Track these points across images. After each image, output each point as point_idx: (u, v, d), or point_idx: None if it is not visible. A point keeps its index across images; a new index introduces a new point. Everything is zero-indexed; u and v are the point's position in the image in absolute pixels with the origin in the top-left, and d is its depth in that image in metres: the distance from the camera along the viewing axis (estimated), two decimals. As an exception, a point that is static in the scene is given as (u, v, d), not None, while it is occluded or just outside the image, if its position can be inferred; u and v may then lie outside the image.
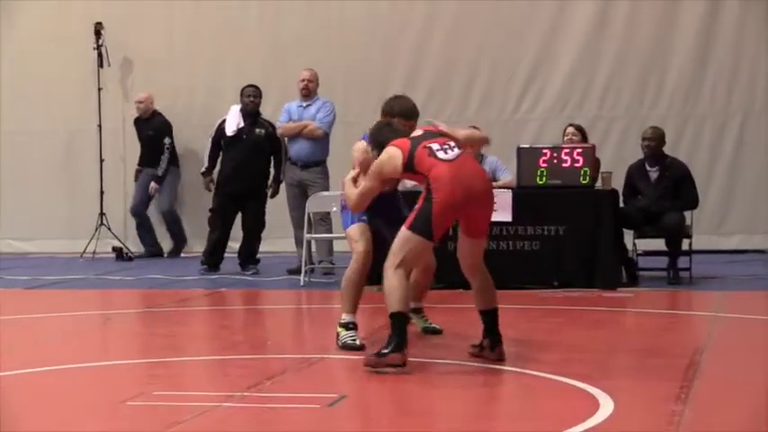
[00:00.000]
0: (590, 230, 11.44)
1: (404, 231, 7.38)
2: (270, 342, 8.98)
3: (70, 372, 7.44)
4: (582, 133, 12.42)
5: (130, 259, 14.77)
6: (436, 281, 11.48)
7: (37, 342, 8.84)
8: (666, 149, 12.19)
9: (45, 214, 15.76)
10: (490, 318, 7.62)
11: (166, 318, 10.29)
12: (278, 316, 10.71)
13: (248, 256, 13.08)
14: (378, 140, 7.76)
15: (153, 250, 15.04)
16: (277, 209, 13.27)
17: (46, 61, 15.80)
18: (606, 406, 6.17)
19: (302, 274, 12.07)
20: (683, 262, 11.81)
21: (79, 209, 15.60)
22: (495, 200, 11.33)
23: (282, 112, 12.95)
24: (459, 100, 15.17)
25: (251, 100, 13.08)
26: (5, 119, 15.85)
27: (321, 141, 12.71)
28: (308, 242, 12.30)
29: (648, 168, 12.02)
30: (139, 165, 15.22)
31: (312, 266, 12.39)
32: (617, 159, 13.69)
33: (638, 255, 12.12)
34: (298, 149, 12.71)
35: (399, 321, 7.25)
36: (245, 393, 6.62)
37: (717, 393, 6.64)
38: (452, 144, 7.46)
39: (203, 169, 13.28)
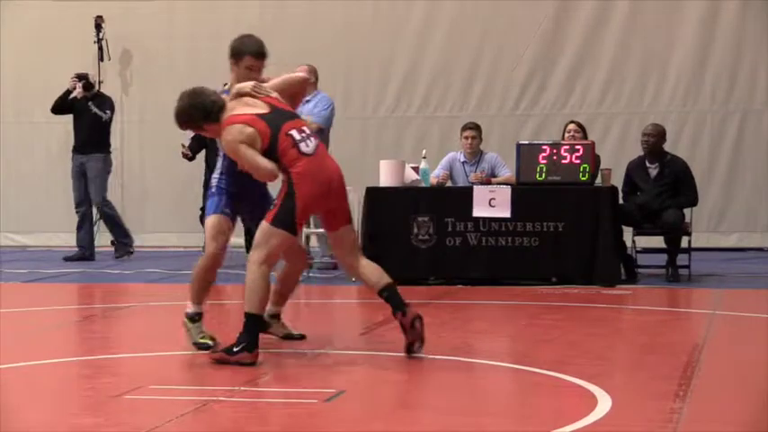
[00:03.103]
0: (589, 227, 11.43)
1: (266, 226, 7.32)
2: (267, 337, 8.94)
3: (67, 365, 7.43)
4: (583, 130, 12.40)
5: (130, 253, 14.74)
6: (436, 277, 11.55)
7: (34, 335, 8.83)
8: (666, 147, 12.18)
9: (44, 207, 15.76)
10: (392, 292, 7.55)
11: (163, 311, 10.27)
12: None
13: (256, 250, 13.09)
14: (202, 113, 7.43)
15: (86, 253, 14.16)
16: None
17: (46, 53, 15.80)
18: (604, 403, 6.16)
19: (301, 269, 12.04)
20: (682, 259, 11.80)
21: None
22: (495, 195, 11.52)
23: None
24: (459, 96, 15.17)
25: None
26: (6, 111, 15.83)
27: (319, 135, 12.68)
28: (307, 237, 12.30)
29: (648, 165, 12.01)
30: (82, 152, 14.01)
31: (311, 262, 12.37)
32: (617, 156, 13.70)
33: (636, 252, 12.11)
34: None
35: (254, 323, 7.28)
36: (243, 388, 6.61)
37: (715, 391, 6.62)
38: (307, 131, 7.43)
39: (186, 149, 13.25)
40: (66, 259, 13.99)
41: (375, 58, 15.25)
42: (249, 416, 6.12)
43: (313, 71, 12.92)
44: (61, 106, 13.95)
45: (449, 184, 12.26)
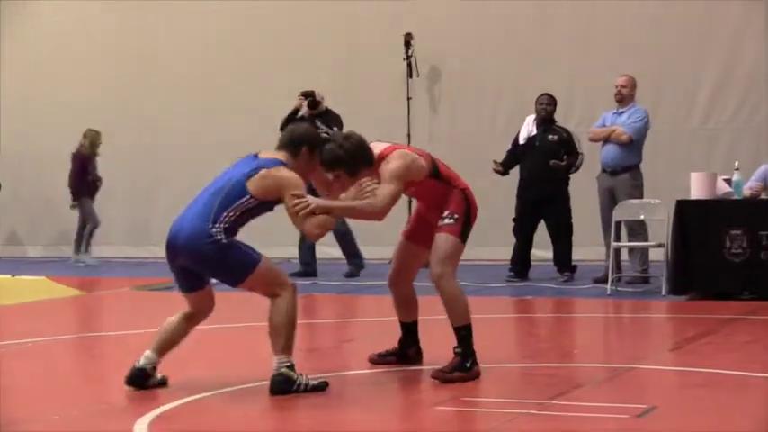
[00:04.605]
0: None
1: (454, 239, 7.27)
2: (576, 351, 8.92)
3: (380, 375, 7.58)
4: None
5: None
6: (749, 291, 11.20)
7: (340, 345, 9.10)
8: None
9: (351, 220, 16.04)
10: (416, 327, 7.74)
11: (473, 324, 10.35)
12: (584, 324, 10.62)
13: (562, 261, 13.07)
14: (366, 157, 7.12)
15: (309, 269, 13.91)
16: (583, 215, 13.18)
17: (356, 71, 16.21)
18: None
19: (609, 283, 11.93)
20: None
21: (389, 216, 15.77)
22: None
23: (599, 118, 12.93)
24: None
25: (543, 108, 13.13)
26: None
27: (629, 147, 12.54)
28: (617, 250, 12.19)
29: None
30: None
31: (618, 275, 12.24)
32: None
33: None
34: (605, 155, 12.64)
35: (471, 334, 7.30)
36: (552, 402, 6.60)
37: None
38: None
39: (498, 165, 13.29)
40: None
41: (684, 68, 14.95)
42: (559, 429, 6.12)
43: (632, 83, 12.81)
44: (290, 124, 13.92)
45: (763, 196, 11.88)
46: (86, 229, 16.78)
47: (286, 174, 6.86)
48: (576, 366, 8.02)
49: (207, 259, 6.76)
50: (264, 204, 6.91)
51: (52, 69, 17.95)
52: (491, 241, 14.98)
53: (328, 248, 14.64)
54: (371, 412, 6.51)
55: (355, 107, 16.04)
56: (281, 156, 6.98)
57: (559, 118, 13.38)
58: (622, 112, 12.73)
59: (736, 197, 11.55)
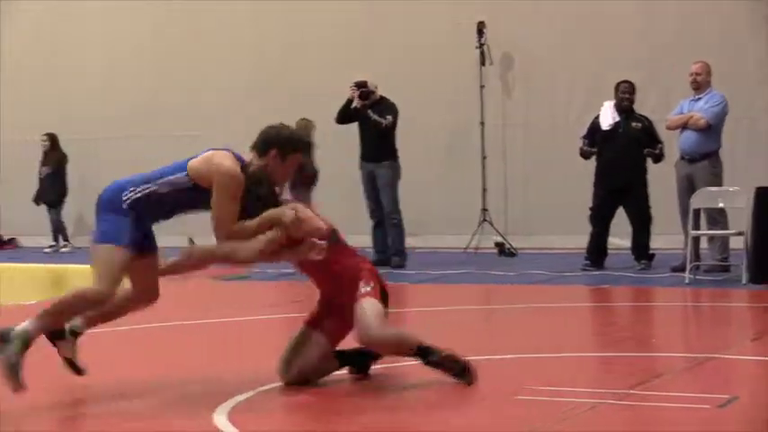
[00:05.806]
0: None
1: (376, 303, 6.72)
2: (655, 340, 8.83)
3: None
4: None
5: (512, 255, 14.85)
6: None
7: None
8: None
9: (429, 209, 16.05)
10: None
11: (549, 314, 10.28)
12: (663, 313, 10.51)
13: (640, 250, 12.93)
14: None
15: (383, 257, 13.65)
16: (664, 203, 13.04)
17: (426, 61, 16.14)
18: None
19: (687, 272, 11.79)
20: None
21: (462, 204, 15.79)
22: None
23: (677, 106, 12.78)
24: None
25: (626, 96, 12.98)
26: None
27: (708, 133, 12.37)
28: (695, 239, 12.04)
29: None
30: (369, 159, 13.77)
31: (697, 264, 12.09)
32: None
33: None
34: (683, 141, 12.51)
35: (427, 349, 6.78)
36: (631, 391, 6.52)
37: None
38: None
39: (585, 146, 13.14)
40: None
41: (761, 53, 14.74)
42: (637, 420, 6.05)
43: (706, 69, 12.64)
44: (344, 116, 13.80)
45: (844, 182, 11.69)
46: None
47: (224, 168, 6.48)
48: (656, 356, 7.93)
49: (98, 207, 6.58)
50: (194, 192, 6.56)
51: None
52: (564, 230, 14.91)
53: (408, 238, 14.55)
54: (449, 405, 6.47)
55: (428, 95, 16.04)
56: (250, 154, 6.69)
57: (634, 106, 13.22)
58: (699, 99, 12.58)
59: (816, 183, 11.37)
